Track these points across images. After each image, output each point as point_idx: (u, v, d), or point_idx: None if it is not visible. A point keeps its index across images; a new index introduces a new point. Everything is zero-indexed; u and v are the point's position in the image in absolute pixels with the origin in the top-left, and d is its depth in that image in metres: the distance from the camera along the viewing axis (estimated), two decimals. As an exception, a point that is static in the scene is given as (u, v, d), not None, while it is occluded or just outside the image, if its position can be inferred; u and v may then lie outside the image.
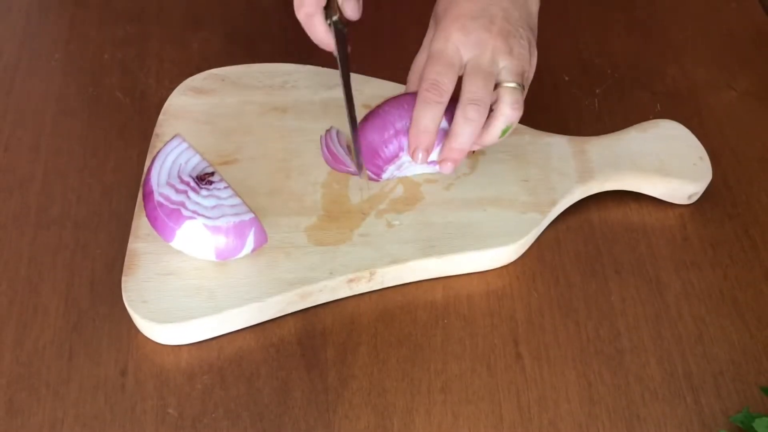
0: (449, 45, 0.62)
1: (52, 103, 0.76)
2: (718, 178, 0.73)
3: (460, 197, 0.68)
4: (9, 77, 0.78)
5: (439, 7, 0.65)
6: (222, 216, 0.61)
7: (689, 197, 0.71)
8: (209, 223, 0.60)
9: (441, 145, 0.65)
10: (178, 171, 0.63)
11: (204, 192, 0.62)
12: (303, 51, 0.76)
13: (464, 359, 0.63)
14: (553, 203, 0.68)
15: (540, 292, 0.67)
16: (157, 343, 0.62)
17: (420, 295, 0.66)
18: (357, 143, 0.66)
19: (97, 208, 0.69)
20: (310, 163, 0.70)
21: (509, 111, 0.62)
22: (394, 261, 0.64)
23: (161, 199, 0.61)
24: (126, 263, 0.63)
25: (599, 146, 0.72)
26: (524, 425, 0.60)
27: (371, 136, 0.66)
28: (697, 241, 0.70)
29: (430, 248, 0.65)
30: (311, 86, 0.75)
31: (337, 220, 0.66)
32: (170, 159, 0.64)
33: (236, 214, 0.61)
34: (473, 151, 0.70)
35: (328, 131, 0.71)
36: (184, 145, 0.64)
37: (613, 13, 0.88)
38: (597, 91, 0.80)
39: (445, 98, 0.62)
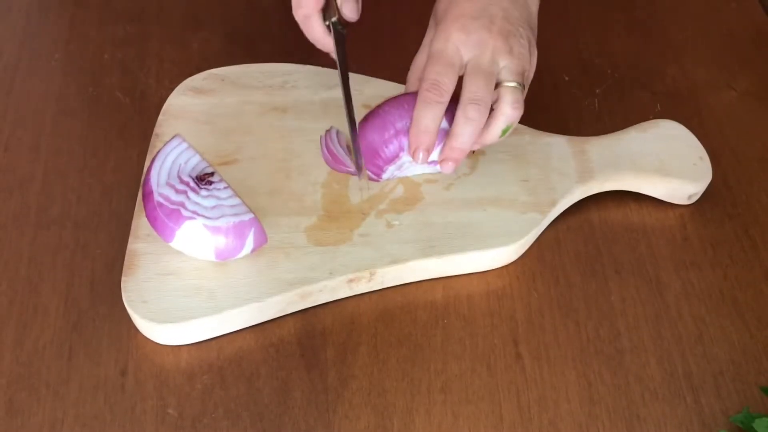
0: (449, 45, 0.62)
1: (52, 103, 0.76)
2: (718, 178, 0.73)
3: (460, 197, 0.68)
4: (9, 77, 0.78)
5: (439, 7, 0.65)
6: (222, 216, 0.61)
7: (689, 197, 0.71)
8: (209, 223, 0.60)
9: (441, 144, 0.65)
10: (178, 171, 0.63)
11: (204, 192, 0.62)
12: (303, 51, 0.76)
13: (464, 359, 0.63)
14: (553, 203, 0.68)
15: (540, 292, 0.67)
16: (157, 343, 0.62)
17: (420, 295, 0.66)
18: (356, 144, 0.66)
19: (97, 208, 0.69)
20: (310, 163, 0.70)
21: (510, 110, 0.62)
22: (394, 261, 0.64)
23: (161, 200, 0.61)
24: (126, 263, 0.63)
25: (599, 146, 0.72)
26: (524, 425, 0.60)
27: (371, 136, 0.66)
28: (697, 241, 0.70)
29: (430, 248, 0.65)
30: (311, 86, 0.75)
31: (337, 220, 0.66)
32: (170, 159, 0.64)
33: (236, 215, 0.61)
34: (473, 151, 0.70)
35: (328, 131, 0.71)
36: (184, 145, 0.64)
37: (613, 13, 0.88)
38: (597, 91, 0.80)
39: (446, 98, 0.62)
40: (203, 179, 0.63)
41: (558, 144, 0.72)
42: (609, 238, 0.70)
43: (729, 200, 0.73)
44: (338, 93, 0.66)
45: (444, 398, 0.61)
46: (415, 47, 0.67)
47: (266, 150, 0.71)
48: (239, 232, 0.61)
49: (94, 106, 0.76)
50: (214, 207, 0.61)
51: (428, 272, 0.66)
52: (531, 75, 0.65)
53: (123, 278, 0.62)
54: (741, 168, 0.75)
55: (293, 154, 0.71)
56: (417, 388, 0.61)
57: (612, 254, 0.69)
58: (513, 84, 0.62)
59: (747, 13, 0.88)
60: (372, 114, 0.67)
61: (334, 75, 0.75)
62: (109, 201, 0.70)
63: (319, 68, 0.76)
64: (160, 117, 0.72)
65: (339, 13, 0.65)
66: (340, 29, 0.65)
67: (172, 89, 0.74)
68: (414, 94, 0.64)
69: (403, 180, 0.69)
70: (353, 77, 0.66)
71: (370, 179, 0.69)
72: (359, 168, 0.67)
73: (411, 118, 0.64)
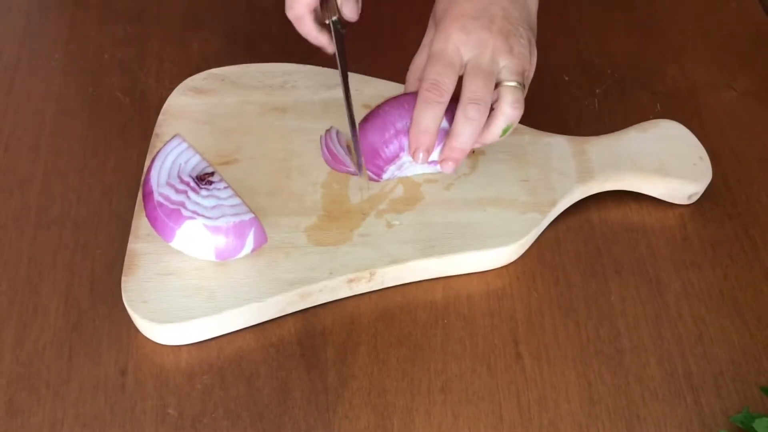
0: (449, 45, 0.62)
1: (52, 103, 0.76)
2: (718, 178, 0.73)
3: (460, 197, 0.68)
4: (9, 77, 0.78)
5: (439, 7, 0.65)
6: (222, 216, 0.61)
7: (689, 197, 0.71)
8: (209, 223, 0.60)
9: (441, 144, 0.65)
10: (178, 171, 0.63)
11: (204, 192, 0.62)
12: (303, 51, 0.76)
13: (464, 359, 0.63)
14: (553, 203, 0.68)
15: (540, 292, 0.67)
16: (157, 343, 0.62)
17: (420, 295, 0.66)
18: (356, 143, 0.66)
19: (97, 208, 0.69)
20: (310, 163, 0.70)
21: (510, 110, 0.62)
22: (394, 261, 0.64)
23: (161, 199, 0.61)
24: (126, 263, 0.63)
25: (599, 146, 0.72)
26: (524, 425, 0.60)
27: (372, 136, 0.66)
28: (697, 241, 0.70)
29: (430, 248, 0.65)
30: (311, 86, 0.75)
31: (337, 220, 0.66)
32: (170, 159, 0.64)
33: (236, 214, 0.61)
34: (473, 151, 0.70)
35: (328, 131, 0.71)
36: (184, 145, 0.64)
37: (613, 13, 0.88)
38: (597, 91, 0.80)
39: (446, 98, 0.62)
40: (203, 179, 0.63)
41: (558, 144, 0.72)
42: (609, 238, 0.70)
43: (729, 200, 0.73)
44: (338, 93, 0.66)
45: (444, 398, 0.61)
46: (415, 47, 0.67)
47: (266, 150, 0.71)
48: (239, 231, 0.61)
49: (94, 106, 0.76)
50: (214, 207, 0.61)
51: (428, 272, 0.66)
52: (531, 75, 0.65)
53: (123, 278, 0.62)
54: (741, 168, 0.75)
55: (293, 154, 0.71)
56: (417, 388, 0.61)
57: (612, 254, 0.69)
58: (513, 84, 0.62)
59: (747, 13, 0.88)
60: (372, 114, 0.67)
61: (334, 75, 0.75)
62: (109, 201, 0.70)
63: (319, 68, 0.76)
64: (160, 117, 0.72)
65: (339, 13, 0.65)
66: (340, 29, 0.65)
67: (172, 89, 0.74)
68: (414, 94, 0.64)
69: (403, 180, 0.69)
70: (353, 77, 0.66)
71: (371, 179, 0.69)
72: (359, 167, 0.67)
73: (411, 118, 0.64)
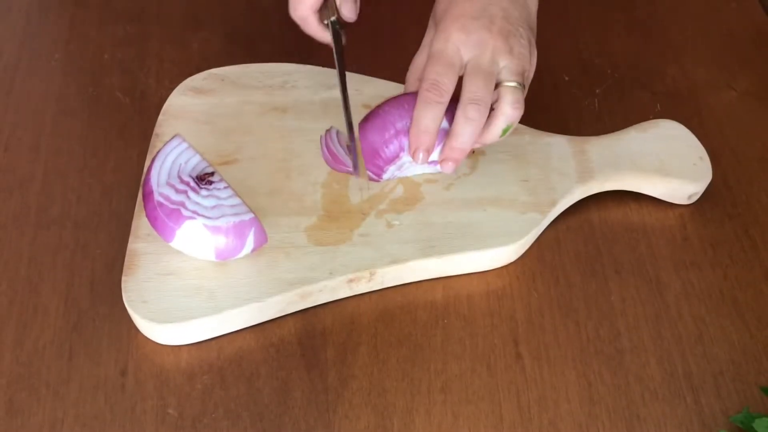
0: (449, 45, 0.62)
1: (52, 103, 0.76)
2: (718, 178, 0.73)
3: (460, 197, 0.68)
4: (9, 77, 0.78)
5: (439, 7, 0.65)
6: (222, 216, 0.61)
7: (689, 197, 0.71)
8: (209, 223, 0.60)
9: (441, 144, 0.65)
10: (178, 171, 0.63)
11: (204, 192, 0.62)
12: (303, 51, 0.76)
13: (464, 359, 0.63)
14: (553, 203, 0.68)
15: (540, 292, 0.67)
16: (157, 343, 0.62)
17: (420, 295, 0.66)
18: (353, 145, 0.66)
19: (97, 208, 0.69)
20: (310, 163, 0.70)
21: (510, 110, 0.62)
22: (394, 261, 0.64)
23: (161, 199, 0.61)
24: (126, 263, 0.63)
25: (599, 146, 0.72)
26: (524, 425, 0.60)
27: (372, 136, 0.66)
28: (697, 241, 0.70)
29: (430, 248, 0.65)
30: (311, 86, 0.75)
31: (337, 220, 0.66)
32: (170, 159, 0.64)
33: (236, 214, 0.61)
34: (473, 151, 0.70)
35: (328, 131, 0.71)
36: (184, 145, 0.64)
37: (613, 13, 0.88)
38: (597, 91, 0.80)
39: (446, 98, 0.62)
40: (203, 179, 0.63)
41: (558, 144, 0.72)
42: (609, 238, 0.70)
43: (729, 200, 0.73)
44: (338, 93, 0.66)
45: (444, 398, 0.61)
46: (415, 47, 0.67)
47: (266, 150, 0.71)
48: (239, 231, 0.61)
49: (94, 106, 0.76)
50: (214, 207, 0.61)
51: (428, 272, 0.66)
52: (531, 75, 0.65)
53: (123, 278, 0.62)
54: (741, 168, 0.75)
55: (293, 154, 0.71)
56: (417, 388, 0.61)
57: (612, 254, 0.69)
58: (513, 84, 0.62)
59: (747, 13, 0.88)
60: (372, 114, 0.67)
61: (334, 75, 0.74)
62: (109, 201, 0.70)
63: (319, 68, 0.76)
64: (160, 117, 0.72)
65: (338, 13, 0.65)
66: (339, 29, 0.65)
67: (172, 89, 0.74)
68: (414, 94, 0.64)
69: (403, 180, 0.69)
70: (353, 77, 0.66)
71: (371, 179, 0.69)
72: (357, 167, 0.67)
73: (411, 118, 0.64)
